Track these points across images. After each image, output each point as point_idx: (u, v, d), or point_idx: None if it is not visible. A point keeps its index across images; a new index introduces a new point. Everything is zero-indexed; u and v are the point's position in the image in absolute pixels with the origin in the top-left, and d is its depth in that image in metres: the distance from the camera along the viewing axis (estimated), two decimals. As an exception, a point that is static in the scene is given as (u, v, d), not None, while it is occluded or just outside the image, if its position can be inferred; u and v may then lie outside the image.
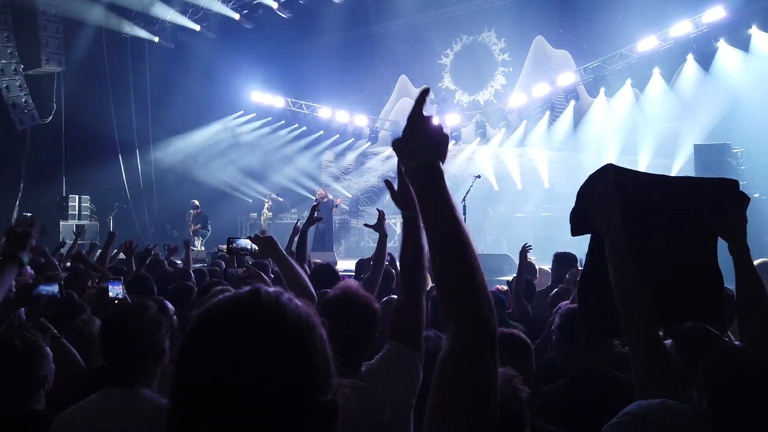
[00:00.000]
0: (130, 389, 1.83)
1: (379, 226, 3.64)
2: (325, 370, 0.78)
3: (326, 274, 3.71)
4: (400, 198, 2.09)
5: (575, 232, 1.74)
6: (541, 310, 3.87)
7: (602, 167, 1.71)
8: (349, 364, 1.81)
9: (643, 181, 1.74)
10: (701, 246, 1.65)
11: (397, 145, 1.13)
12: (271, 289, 0.80)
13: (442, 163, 1.10)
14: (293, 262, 2.62)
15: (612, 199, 1.59)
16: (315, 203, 6.22)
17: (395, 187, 1.70)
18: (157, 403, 1.76)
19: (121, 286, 3.40)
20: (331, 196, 14.60)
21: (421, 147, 1.10)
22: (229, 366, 0.72)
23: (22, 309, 2.96)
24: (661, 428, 1.15)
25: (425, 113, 1.13)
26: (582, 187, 1.70)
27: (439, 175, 1.08)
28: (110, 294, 3.36)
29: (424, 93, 1.15)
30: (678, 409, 1.18)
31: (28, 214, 13.39)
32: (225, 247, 5.70)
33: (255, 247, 2.89)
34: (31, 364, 2.08)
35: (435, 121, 1.13)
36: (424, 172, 1.08)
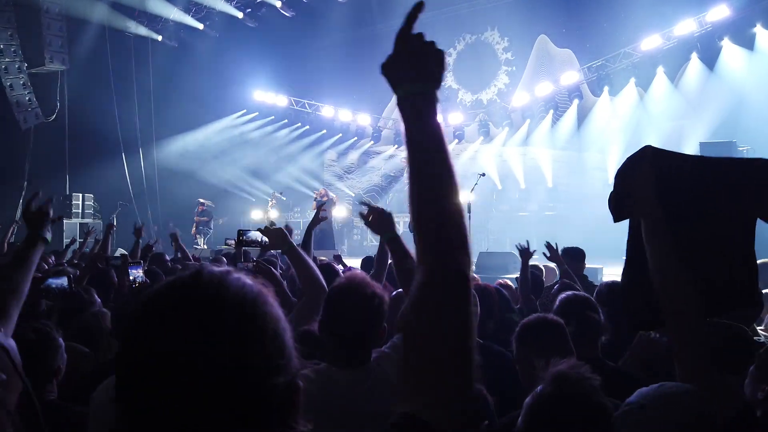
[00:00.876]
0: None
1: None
2: (276, 351, 0.74)
3: (328, 272, 3.71)
4: (374, 223, 2.07)
5: (618, 218, 1.66)
6: (549, 306, 3.87)
7: (641, 149, 1.63)
8: (356, 351, 1.78)
9: (682, 163, 1.66)
10: (739, 229, 1.56)
11: (386, 70, 1.02)
12: (217, 269, 0.76)
13: (437, 88, 1.00)
14: (303, 254, 2.59)
15: (650, 182, 1.54)
16: (321, 203, 6.21)
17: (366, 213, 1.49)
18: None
19: (140, 270, 3.45)
20: (332, 195, 14.56)
21: (412, 72, 0.99)
22: (166, 347, 0.68)
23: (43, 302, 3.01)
24: (655, 411, 1.16)
25: (416, 31, 1.02)
26: (620, 170, 1.64)
27: (432, 104, 0.98)
28: (130, 277, 3.40)
29: (417, 8, 1.04)
30: (676, 390, 1.18)
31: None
32: (233, 241, 5.75)
33: (266, 239, 2.88)
34: (45, 354, 2.10)
35: (426, 39, 1.02)
36: (415, 102, 0.99)
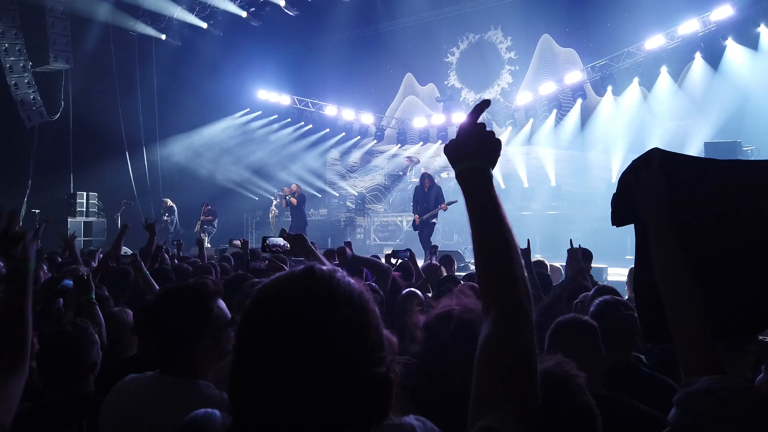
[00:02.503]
0: (186, 378, 1.71)
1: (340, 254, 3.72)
2: (378, 344, 0.81)
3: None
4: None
5: (618, 222, 1.63)
6: (557, 306, 3.86)
7: (648, 151, 1.58)
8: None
9: (692, 166, 1.60)
10: (757, 235, 1.46)
11: (449, 150, 1.18)
12: (325, 267, 0.84)
13: (492, 167, 1.16)
14: (322, 257, 2.76)
15: (658, 186, 1.49)
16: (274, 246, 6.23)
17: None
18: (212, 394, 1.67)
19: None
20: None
21: (471, 151, 1.16)
22: (286, 343, 0.75)
23: (60, 300, 3.06)
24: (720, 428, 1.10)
25: (478, 121, 1.18)
26: (624, 173, 1.60)
27: (488, 178, 1.14)
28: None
29: (485, 104, 1.21)
30: (727, 394, 1.13)
31: (37, 211, 13.49)
32: (239, 241, 5.86)
33: (287, 244, 3.03)
34: (82, 349, 2.16)
35: (486, 128, 1.17)
36: (472, 176, 1.14)
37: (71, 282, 2.95)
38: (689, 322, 1.38)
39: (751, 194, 1.49)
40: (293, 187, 13.53)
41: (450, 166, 1.19)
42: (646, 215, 1.51)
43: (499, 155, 1.18)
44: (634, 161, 1.58)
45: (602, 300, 2.46)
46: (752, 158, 10.08)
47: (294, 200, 13.22)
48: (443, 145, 1.23)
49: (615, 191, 1.61)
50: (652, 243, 1.49)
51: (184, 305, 1.73)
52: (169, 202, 15.20)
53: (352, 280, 0.84)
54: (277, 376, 0.74)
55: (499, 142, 1.17)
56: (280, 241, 3.27)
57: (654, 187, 1.49)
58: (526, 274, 1.07)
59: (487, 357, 1.00)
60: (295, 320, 0.76)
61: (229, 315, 1.86)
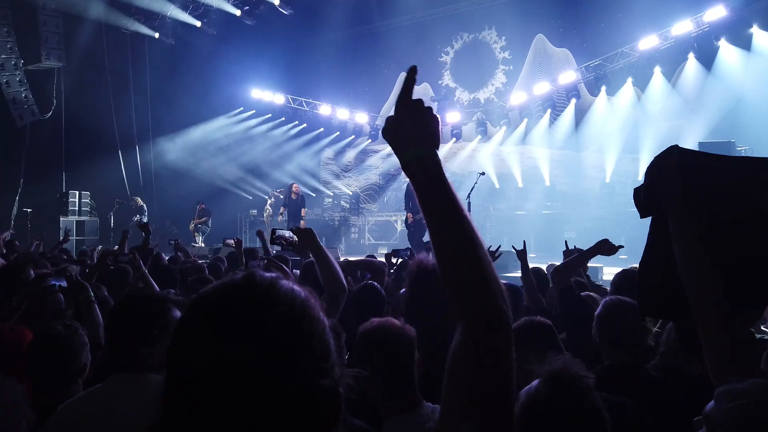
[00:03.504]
0: (138, 373, 1.78)
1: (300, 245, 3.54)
2: (323, 355, 0.76)
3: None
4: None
5: (643, 214, 1.67)
6: (553, 305, 3.86)
7: (667, 149, 1.62)
8: (401, 393, 1.80)
9: (710, 163, 1.64)
10: (759, 229, 1.52)
11: (390, 135, 1.06)
12: (268, 274, 0.78)
13: (437, 148, 1.05)
14: (329, 254, 2.73)
15: (676, 180, 1.53)
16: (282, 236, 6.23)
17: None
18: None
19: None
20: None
21: (417, 136, 1.04)
22: (218, 348, 0.70)
23: (61, 298, 3.02)
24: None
25: (413, 97, 1.06)
26: (648, 168, 1.63)
27: (438, 165, 1.03)
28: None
29: (412, 73, 1.06)
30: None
31: (29, 210, 13.39)
32: (232, 241, 5.85)
33: (295, 237, 3.01)
34: (74, 352, 2.10)
35: (424, 105, 1.06)
36: (424, 166, 1.03)
37: (62, 282, 2.91)
38: (711, 300, 1.41)
39: (753, 188, 1.55)
40: (294, 187, 13.26)
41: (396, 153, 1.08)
42: (667, 207, 1.56)
43: (440, 133, 1.07)
44: (656, 157, 1.63)
45: (609, 300, 2.47)
46: (745, 158, 10.14)
47: (304, 211, 12.88)
48: (381, 130, 1.08)
49: (640, 185, 1.66)
50: (673, 233, 1.53)
51: (142, 309, 1.85)
52: (140, 201, 14.90)
53: (297, 287, 0.79)
54: (207, 385, 0.69)
55: (437, 119, 1.06)
56: (288, 233, 3.26)
57: (673, 181, 1.54)
58: (496, 273, 0.97)
59: (456, 371, 0.90)
60: (228, 327, 0.71)
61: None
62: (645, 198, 1.62)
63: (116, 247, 6.96)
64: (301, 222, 12.65)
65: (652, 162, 1.62)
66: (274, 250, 5.75)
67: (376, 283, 3.37)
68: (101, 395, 1.79)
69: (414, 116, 1.05)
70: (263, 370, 0.70)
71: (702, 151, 1.69)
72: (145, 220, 14.21)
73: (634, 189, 1.66)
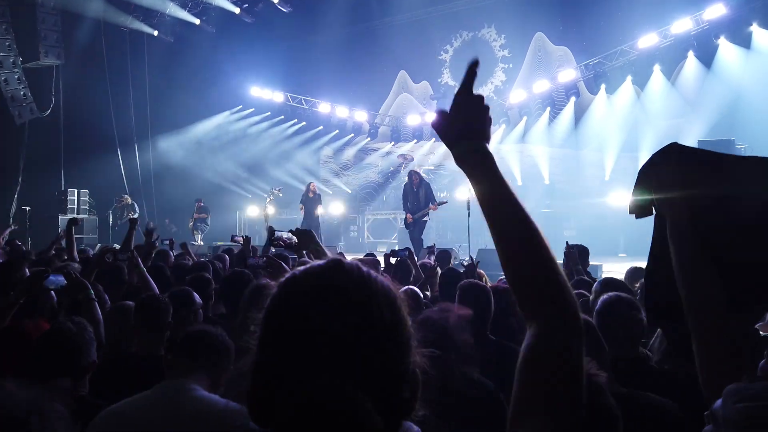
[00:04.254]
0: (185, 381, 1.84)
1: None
2: (412, 335, 0.79)
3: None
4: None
5: (639, 215, 1.64)
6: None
7: (666, 146, 1.59)
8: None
9: (710, 160, 1.62)
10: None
11: (444, 127, 1.05)
12: (353, 261, 0.81)
13: (488, 143, 1.04)
14: (329, 253, 2.79)
15: (675, 179, 1.51)
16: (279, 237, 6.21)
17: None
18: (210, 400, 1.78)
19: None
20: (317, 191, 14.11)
21: (473, 128, 1.03)
22: (323, 326, 0.71)
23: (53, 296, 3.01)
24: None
25: (474, 92, 1.06)
26: (643, 168, 1.61)
27: (491, 156, 1.01)
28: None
29: (474, 66, 1.07)
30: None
31: (27, 208, 13.37)
32: (241, 238, 5.82)
33: (294, 239, 3.00)
34: (82, 349, 2.09)
35: (483, 99, 1.06)
36: (479, 157, 1.01)
37: (61, 279, 2.89)
38: (706, 301, 1.39)
39: (757, 187, 1.53)
40: (312, 186, 13.37)
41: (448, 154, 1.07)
42: (664, 207, 1.54)
43: (490, 127, 1.07)
44: (653, 155, 1.60)
45: (607, 297, 2.47)
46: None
47: (320, 208, 13.07)
48: (432, 122, 1.07)
49: (634, 184, 1.63)
50: (670, 234, 1.51)
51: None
52: (129, 200, 14.82)
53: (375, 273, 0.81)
54: (311, 361, 0.70)
55: (488, 111, 1.06)
56: (287, 234, 3.24)
57: (672, 180, 1.51)
58: (561, 270, 0.93)
59: (533, 367, 0.89)
60: (331, 307, 0.73)
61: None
62: (640, 198, 1.60)
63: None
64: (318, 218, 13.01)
65: (648, 160, 1.59)
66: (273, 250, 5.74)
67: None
68: (153, 400, 1.83)
69: (470, 109, 1.05)
70: (362, 350, 0.71)
71: (701, 149, 1.66)
72: (134, 216, 14.20)
73: (633, 189, 1.62)
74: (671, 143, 1.59)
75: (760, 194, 1.53)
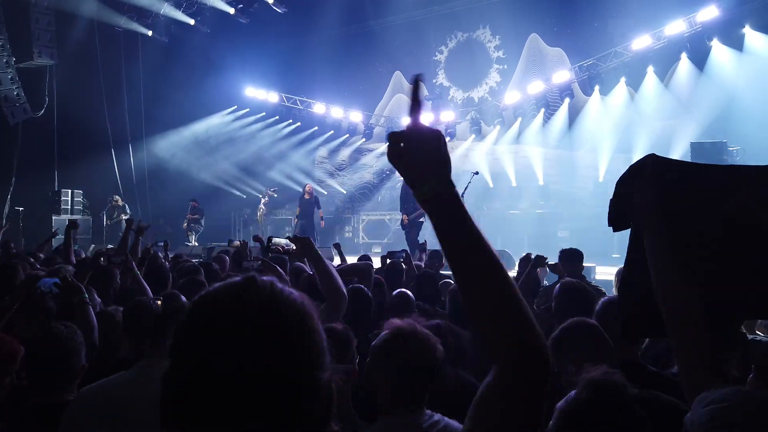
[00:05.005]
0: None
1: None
2: (321, 350, 0.80)
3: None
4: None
5: (615, 225, 1.64)
6: (548, 307, 3.89)
7: (643, 158, 1.61)
8: (414, 398, 1.81)
9: (687, 172, 1.63)
10: (756, 239, 1.50)
11: (398, 163, 0.97)
12: (265, 277, 0.82)
13: (450, 179, 0.96)
14: (327, 262, 2.75)
15: (650, 194, 1.52)
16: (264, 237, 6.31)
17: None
18: None
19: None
20: (315, 191, 14.14)
21: (429, 167, 0.95)
22: (226, 344, 0.73)
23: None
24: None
25: (420, 114, 0.98)
26: (620, 179, 1.61)
27: (459, 202, 0.95)
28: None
29: (417, 84, 0.98)
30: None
31: (21, 209, 13.31)
32: (238, 242, 5.81)
33: (292, 246, 3.01)
34: (74, 353, 2.11)
35: (436, 130, 0.98)
36: (445, 202, 0.94)
37: (53, 281, 2.89)
38: (684, 322, 1.40)
39: (742, 199, 1.53)
40: (308, 187, 13.42)
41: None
42: (640, 219, 1.54)
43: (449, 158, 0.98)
44: (630, 166, 1.61)
45: (607, 300, 2.49)
46: (738, 158, 10.21)
47: (321, 213, 13.14)
48: (389, 153, 0.97)
49: (612, 195, 1.62)
50: (647, 246, 1.51)
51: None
52: (120, 201, 14.74)
53: (293, 291, 0.82)
54: (213, 381, 0.72)
55: (446, 145, 0.99)
56: (285, 242, 3.25)
57: (648, 192, 1.52)
58: (527, 308, 0.91)
59: (485, 409, 0.89)
60: (238, 323, 0.74)
61: None
62: (617, 210, 1.60)
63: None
64: (321, 222, 13.12)
65: (625, 172, 1.60)
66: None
67: (362, 286, 3.41)
68: (131, 377, 1.92)
69: (425, 141, 0.95)
70: (278, 362, 0.73)
71: (678, 159, 1.67)
72: (125, 218, 14.14)
73: (610, 200, 1.63)
74: (648, 155, 1.60)
75: (734, 203, 1.53)
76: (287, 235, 3.61)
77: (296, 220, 13.52)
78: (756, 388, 1.48)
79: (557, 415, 1.34)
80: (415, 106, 0.97)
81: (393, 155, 0.97)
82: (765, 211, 1.50)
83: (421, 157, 0.95)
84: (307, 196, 13.05)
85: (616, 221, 1.62)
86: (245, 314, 0.75)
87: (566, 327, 2.16)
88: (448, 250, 0.94)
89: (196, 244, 14.08)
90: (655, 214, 1.50)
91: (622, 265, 1.77)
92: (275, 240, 3.32)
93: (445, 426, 1.75)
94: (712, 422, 1.10)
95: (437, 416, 1.78)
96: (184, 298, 2.95)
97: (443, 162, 0.96)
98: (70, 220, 5.65)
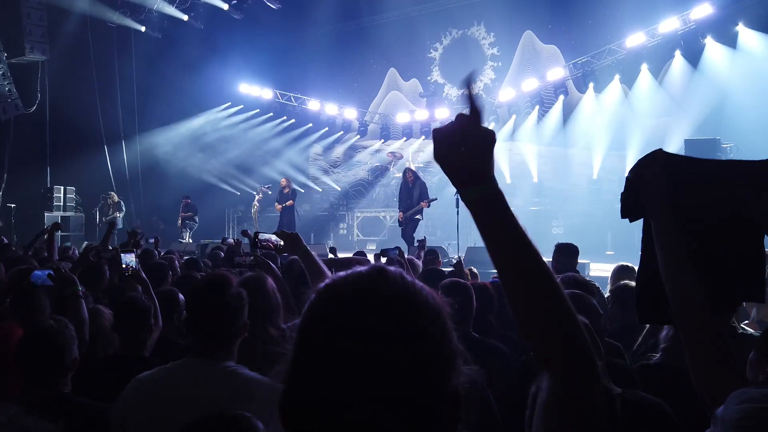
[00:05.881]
0: (211, 360, 1.86)
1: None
2: (454, 353, 0.74)
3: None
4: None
5: (628, 216, 1.67)
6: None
7: (652, 152, 1.64)
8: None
9: (695, 167, 1.68)
10: (745, 231, 1.59)
11: (445, 163, 0.94)
12: (396, 270, 0.76)
13: (496, 185, 0.93)
14: (317, 258, 2.71)
15: (661, 185, 1.56)
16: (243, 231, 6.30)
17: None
18: (245, 374, 1.83)
19: (133, 257, 3.46)
20: (294, 186, 14.03)
21: (477, 169, 0.92)
22: (361, 340, 0.67)
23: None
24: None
25: (476, 115, 0.93)
26: (631, 172, 1.65)
27: (505, 205, 0.92)
28: (122, 264, 3.42)
29: (470, 86, 0.97)
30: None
31: (13, 205, 13.22)
32: (233, 240, 5.76)
33: (281, 242, 2.96)
34: (64, 346, 2.10)
35: (490, 131, 0.94)
36: (492, 204, 0.92)
37: (45, 274, 2.86)
38: (692, 305, 1.43)
39: (743, 193, 1.59)
40: (283, 182, 13.37)
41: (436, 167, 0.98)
42: (651, 210, 1.59)
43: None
44: (640, 160, 1.65)
45: (569, 293, 2.48)
46: (731, 155, 10.25)
47: (291, 202, 13.02)
48: (438, 154, 0.95)
49: (623, 189, 1.67)
50: (655, 236, 1.56)
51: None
52: (116, 198, 14.59)
53: (424, 285, 0.76)
54: (348, 379, 0.67)
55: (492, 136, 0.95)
56: (273, 237, 3.19)
57: (657, 185, 1.56)
58: (577, 319, 0.88)
59: (551, 415, 0.86)
60: (371, 315, 0.68)
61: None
62: (629, 200, 1.64)
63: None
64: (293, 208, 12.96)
65: (635, 165, 1.64)
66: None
67: None
68: (175, 374, 1.88)
69: (477, 142, 0.92)
70: (401, 363, 0.67)
71: (686, 155, 1.73)
72: (120, 215, 14.08)
73: (621, 193, 1.67)
74: (657, 150, 1.65)
75: (740, 196, 1.59)
76: (274, 231, 3.56)
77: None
78: (756, 366, 1.50)
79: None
80: (473, 107, 0.94)
81: (440, 154, 0.95)
82: (759, 205, 1.57)
83: (473, 159, 0.92)
84: (286, 191, 13.06)
85: (629, 211, 1.65)
86: (379, 302, 0.70)
87: None
88: (496, 253, 0.91)
89: (190, 241, 14.03)
90: (664, 208, 1.55)
91: (618, 263, 1.80)
92: (262, 235, 3.25)
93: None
94: (745, 420, 1.09)
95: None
96: (182, 297, 2.94)
97: (490, 160, 0.93)
98: (54, 223, 5.63)
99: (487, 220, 0.91)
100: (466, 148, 0.92)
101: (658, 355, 2.43)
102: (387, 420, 0.66)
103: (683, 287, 1.46)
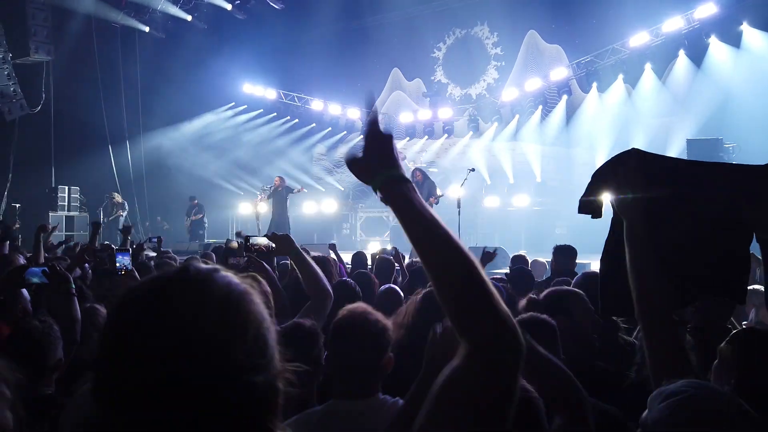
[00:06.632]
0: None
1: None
2: (257, 350, 0.74)
3: (323, 264, 3.74)
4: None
5: (593, 216, 1.74)
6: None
7: (626, 151, 1.69)
8: (361, 382, 1.78)
9: (669, 166, 1.71)
10: (732, 233, 1.60)
11: (358, 163, 1.08)
12: (205, 266, 0.77)
13: (399, 169, 1.06)
14: (309, 259, 2.69)
15: (634, 182, 1.58)
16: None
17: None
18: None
19: (127, 257, 3.46)
20: (290, 184, 13.96)
21: (388, 160, 1.05)
22: (147, 338, 0.69)
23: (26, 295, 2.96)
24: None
25: (374, 119, 1.09)
26: (598, 171, 1.69)
27: (408, 185, 1.04)
28: (117, 264, 3.42)
29: (375, 111, 1.11)
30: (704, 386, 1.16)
31: (17, 205, 13.28)
32: (236, 243, 5.75)
33: (272, 244, 2.95)
34: (48, 347, 2.09)
35: (392, 137, 1.09)
36: (400, 188, 1.03)
37: (39, 271, 2.85)
38: (655, 302, 1.48)
39: (724, 195, 1.63)
40: (276, 180, 13.32)
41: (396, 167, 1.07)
42: (621, 207, 1.62)
43: (396, 153, 1.09)
44: (612, 158, 1.68)
45: (555, 291, 2.46)
46: (734, 155, 10.21)
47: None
48: (346, 161, 1.10)
49: (587, 186, 1.72)
50: (626, 233, 1.59)
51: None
52: (119, 198, 14.66)
53: (236, 281, 0.77)
54: (138, 383, 0.67)
55: (390, 137, 1.09)
56: (264, 240, 3.18)
57: (630, 182, 1.59)
58: (491, 287, 0.91)
59: (461, 385, 0.84)
60: (158, 322, 0.70)
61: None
62: (587, 196, 1.69)
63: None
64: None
65: (604, 164, 1.68)
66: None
67: (348, 279, 3.41)
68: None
69: (373, 143, 1.06)
70: (190, 364, 0.68)
71: (658, 154, 1.75)
72: (123, 215, 14.13)
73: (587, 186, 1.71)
74: (630, 149, 1.69)
75: (710, 196, 1.63)
76: (265, 234, 3.55)
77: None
78: (719, 377, 1.52)
79: None
80: (372, 115, 1.10)
81: (351, 164, 1.09)
82: (752, 210, 1.58)
83: (375, 151, 1.06)
84: (280, 189, 12.98)
85: (590, 210, 1.71)
86: (169, 306, 0.71)
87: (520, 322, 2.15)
88: (408, 235, 1.00)
89: (196, 240, 14.06)
90: (636, 205, 1.58)
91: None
92: (253, 239, 3.23)
93: (395, 403, 1.73)
94: (675, 416, 1.08)
95: (391, 400, 1.76)
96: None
97: (390, 156, 1.06)
98: (40, 225, 5.66)
99: (393, 205, 1.02)
100: (367, 144, 1.06)
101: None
102: (182, 414, 0.67)
103: (648, 279, 1.50)
